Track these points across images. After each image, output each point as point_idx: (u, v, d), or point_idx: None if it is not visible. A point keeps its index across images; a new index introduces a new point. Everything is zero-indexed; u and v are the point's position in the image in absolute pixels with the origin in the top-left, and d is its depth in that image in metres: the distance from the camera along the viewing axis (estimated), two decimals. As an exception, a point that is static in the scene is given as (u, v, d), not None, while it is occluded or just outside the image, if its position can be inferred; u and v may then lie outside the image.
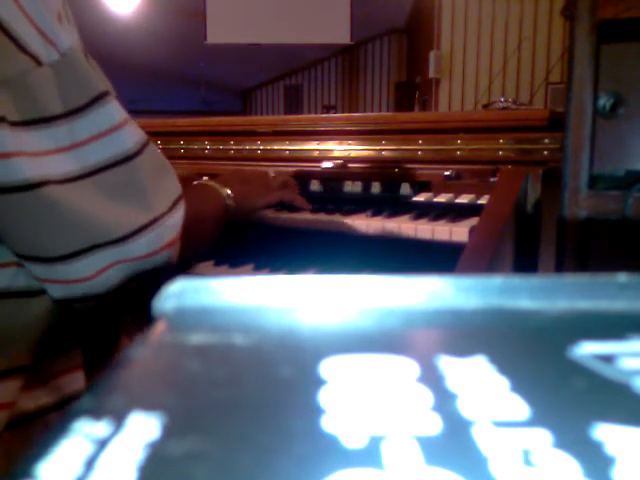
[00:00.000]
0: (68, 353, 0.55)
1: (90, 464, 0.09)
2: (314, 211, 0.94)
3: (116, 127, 0.45)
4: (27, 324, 0.48)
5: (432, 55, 4.77)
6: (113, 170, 0.45)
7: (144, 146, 0.48)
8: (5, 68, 0.40)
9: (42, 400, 0.51)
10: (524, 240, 0.82)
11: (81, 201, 0.43)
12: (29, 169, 0.40)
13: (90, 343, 0.58)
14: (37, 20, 0.41)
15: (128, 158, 0.46)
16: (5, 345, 0.48)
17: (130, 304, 0.64)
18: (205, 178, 0.98)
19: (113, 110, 0.45)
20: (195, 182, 0.73)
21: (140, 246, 0.47)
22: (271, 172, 0.91)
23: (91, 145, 0.44)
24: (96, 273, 0.46)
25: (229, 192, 0.70)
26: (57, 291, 0.47)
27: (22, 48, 0.41)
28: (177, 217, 0.51)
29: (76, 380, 0.54)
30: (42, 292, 0.47)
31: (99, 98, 0.44)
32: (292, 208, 0.95)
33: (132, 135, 0.47)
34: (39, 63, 0.41)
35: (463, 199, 0.89)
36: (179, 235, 0.52)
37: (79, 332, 0.56)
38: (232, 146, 1.19)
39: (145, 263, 0.48)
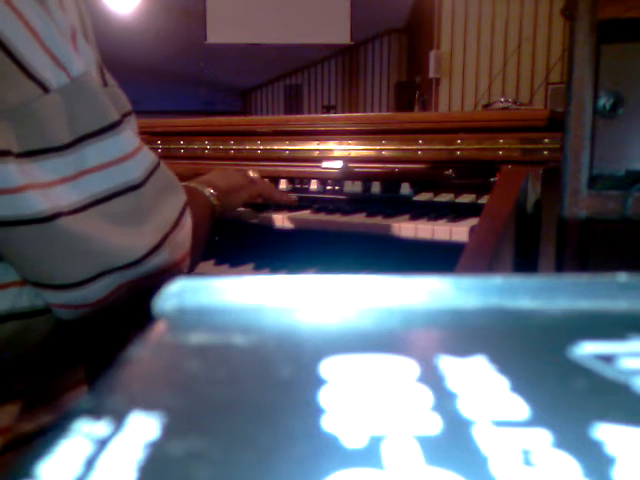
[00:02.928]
0: (70, 369, 0.54)
1: (90, 464, 0.09)
2: (314, 211, 0.94)
3: (125, 157, 0.45)
4: (30, 345, 0.48)
5: (432, 55, 4.77)
6: (120, 198, 0.45)
7: (152, 172, 0.47)
8: (10, 97, 0.39)
9: (43, 420, 0.51)
10: (524, 240, 0.82)
11: (92, 229, 0.43)
12: (41, 202, 0.40)
13: (93, 355, 0.57)
14: (48, 43, 0.40)
15: (135, 187, 0.45)
16: (6, 368, 0.47)
17: (132, 306, 0.64)
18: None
19: (124, 140, 0.45)
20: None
21: (153, 266, 0.46)
22: (250, 171, 0.92)
23: (98, 173, 0.43)
24: (108, 295, 0.46)
25: (212, 191, 0.71)
26: (68, 314, 0.46)
27: (30, 75, 0.39)
28: (186, 229, 0.50)
29: (79, 396, 0.54)
30: (46, 311, 0.46)
31: (110, 128, 0.43)
32: (277, 206, 0.95)
33: (141, 164, 0.46)
34: (46, 90, 0.40)
35: (463, 199, 0.89)
36: (190, 248, 0.51)
37: (82, 347, 0.55)
38: (232, 146, 1.19)
39: (156, 281, 0.48)
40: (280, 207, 0.96)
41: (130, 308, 0.50)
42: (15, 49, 0.38)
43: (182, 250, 0.50)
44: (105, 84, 0.47)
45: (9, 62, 0.38)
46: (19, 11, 0.39)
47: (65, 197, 0.42)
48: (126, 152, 0.45)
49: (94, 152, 0.43)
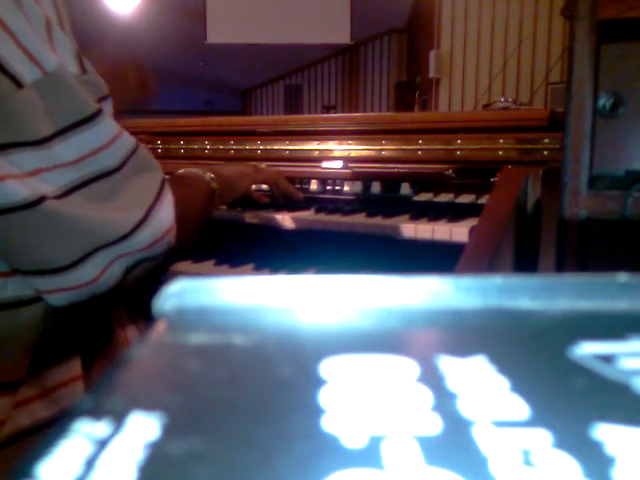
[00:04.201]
0: (66, 363, 0.54)
1: (90, 464, 0.09)
2: (314, 211, 0.94)
3: (106, 145, 0.46)
4: (17, 335, 0.48)
5: (432, 55, 4.77)
6: (98, 182, 0.46)
7: (130, 155, 0.48)
8: None
9: (40, 414, 0.51)
10: (524, 240, 0.82)
11: (79, 209, 0.44)
12: (22, 190, 0.40)
13: (89, 349, 0.57)
14: (21, 38, 0.40)
15: (116, 169, 0.47)
16: None
17: (127, 299, 0.64)
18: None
19: (102, 130, 0.45)
20: (181, 170, 0.74)
21: (141, 239, 0.48)
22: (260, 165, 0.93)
23: (80, 163, 0.44)
24: (100, 273, 0.46)
25: (212, 175, 0.72)
26: (62, 299, 0.46)
27: (3, 69, 0.40)
28: (167, 203, 0.52)
29: (76, 391, 0.54)
30: (33, 300, 0.47)
31: (87, 120, 0.44)
32: (279, 205, 0.95)
33: (121, 148, 0.47)
34: (20, 85, 0.41)
35: (463, 199, 0.89)
36: (174, 220, 0.53)
37: (76, 339, 0.55)
38: (232, 146, 1.19)
39: (146, 253, 0.50)
40: (282, 205, 0.96)
41: (123, 287, 0.51)
42: None
43: (166, 223, 0.51)
44: (84, 71, 0.47)
45: None
46: None
47: (43, 186, 0.42)
48: (104, 142, 0.45)
49: (72, 145, 0.43)
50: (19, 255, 0.44)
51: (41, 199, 0.41)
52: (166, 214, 0.51)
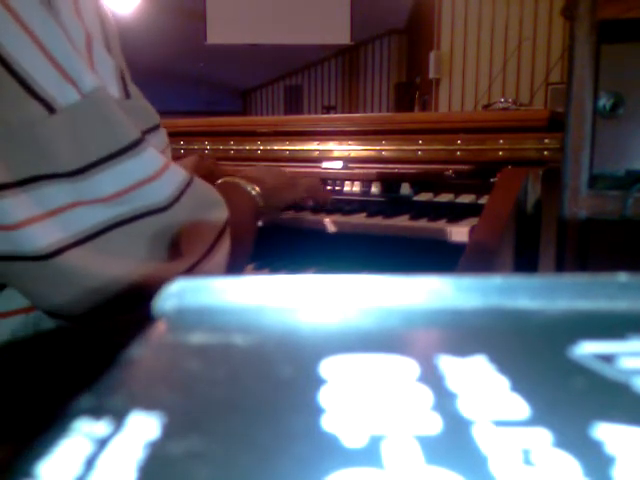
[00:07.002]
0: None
1: (90, 464, 0.09)
2: (314, 211, 0.94)
3: (149, 179, 0.40)
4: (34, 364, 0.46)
5: (432, 55, 4.78)
6: (148, 219, 0.40)
7: (182, 192, 0.42)
8: (9, 118, 0.35)
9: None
10: (524, 240, 0.82)
11: (102, 265, 0.38)
12: (43, 237, 0.36)
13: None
14: (57, 55, 0.36)
15: (161, 209, 0.40)
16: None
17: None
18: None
19: (145, 161, 0.40)
20: (221, 180, 0.65)
21: None
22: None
23: (121, 198, 0.39)
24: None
25: (257, 189, 0.64)
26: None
27: (33, 92, 0.35)
28: (217, 258, 0.45)
29: None
30: (50, 334, 0.44)
31: (128, 149, 0.39)
32: (315, 208, 0.92)
33: (168, 185, 0.41)
34: (52, 110, 0.36)
35: (463, 199, 0.89)
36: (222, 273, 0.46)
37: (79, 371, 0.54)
38: (232, 146, 1.19)
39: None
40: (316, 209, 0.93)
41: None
42: (17, 64, 0.34)
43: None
44: (127, 96, 0.42)
45: (9, 79, 0.34)
46: (23, 20, 0.35)
47: (70, 227, 0.38)
48: (147, 175, 0.40)
49: (110, 176, 0.38)
50: (33, 297, 0.40)
51: (59, 250, 0.37)
52: (208, 272, 0.44)
